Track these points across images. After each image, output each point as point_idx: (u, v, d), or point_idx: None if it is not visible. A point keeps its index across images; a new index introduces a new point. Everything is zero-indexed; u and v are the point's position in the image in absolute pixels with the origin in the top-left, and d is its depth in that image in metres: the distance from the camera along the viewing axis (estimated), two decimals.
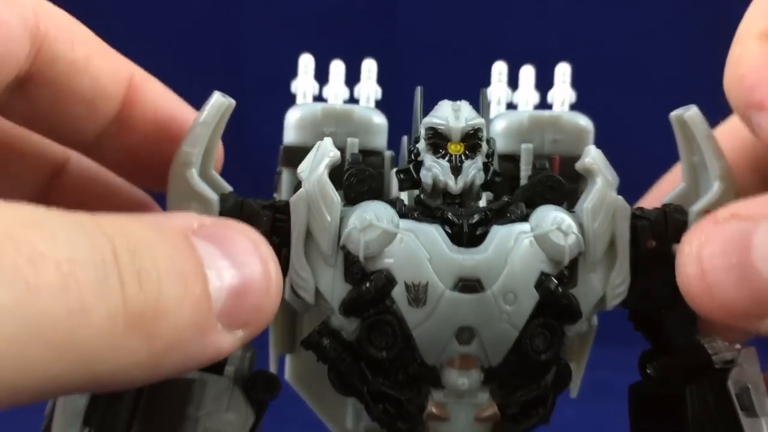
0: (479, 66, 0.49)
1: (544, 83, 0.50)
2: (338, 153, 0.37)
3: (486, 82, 0.49)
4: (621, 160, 0.40)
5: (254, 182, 0.47)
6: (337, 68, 0.51)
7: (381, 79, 0.49)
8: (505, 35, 0.96)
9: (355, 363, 0.37)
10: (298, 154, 0.46)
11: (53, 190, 0.46)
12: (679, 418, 0.39)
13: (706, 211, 0.39)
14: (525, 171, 0.45)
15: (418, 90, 0.41)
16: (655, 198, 0.49)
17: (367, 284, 0.35)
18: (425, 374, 0.36)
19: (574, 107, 0.50)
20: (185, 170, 0.38)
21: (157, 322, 0.29)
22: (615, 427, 0.49)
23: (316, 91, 0.50)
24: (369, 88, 0.50)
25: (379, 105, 0.49)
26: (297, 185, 0.39)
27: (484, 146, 0.38)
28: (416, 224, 0.36)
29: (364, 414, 0.43)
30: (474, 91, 0.46)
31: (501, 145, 0.46)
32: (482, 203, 0.41)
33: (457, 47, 0.99)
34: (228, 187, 0.41)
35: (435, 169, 0.37)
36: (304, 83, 0.50)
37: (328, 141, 0.38)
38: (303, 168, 0.38)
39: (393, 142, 0.46)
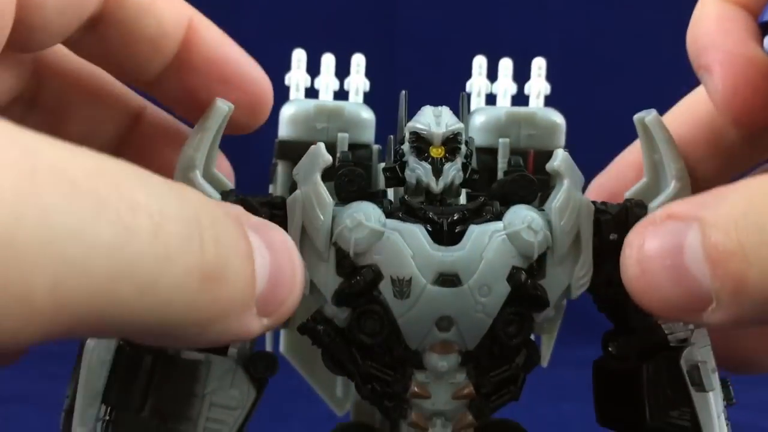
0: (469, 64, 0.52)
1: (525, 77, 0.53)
2: (329, 158, 0.41)
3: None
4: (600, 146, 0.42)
5: (256, 174, 0.51)
6: (328, 61, 0.54)
7: (378, 74, 0.52)
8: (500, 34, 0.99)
9: (346, 347, 0.41)
10: (292, 147, 0.49)
11: (130, 137, 0.49)
12: (637, 393, 0.44)
13: None
14: (502, 164, 0.49)
15: (403, 94, 0.44)
16: (615, 173, 0.52)
17: (358, 278, 0.39)
18: (409, 357, 0.40)
19: (548, 99, 0.54)
20: (189, 173, 0.41)
21: (220, 288, 0.31)
22: None
23: (308, 83, 0.53)
24: (358, 81, 0.54)
25: (372, 97, 0.52)
26: (292, 184, 0.42)
27: (463, 148, 0.42)
28: (401, 224, 0.40)
29: (352, 384, 0.47)
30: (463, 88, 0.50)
31: (480, 139, 0.49)
32: (462, 198, 0.45)
33: (453, 46, 1.01)
34: (229, 184, 0.45)
35: (418, 170, 0.41)
36: (296, 76, 0.53)
37: (321, 146, 0.41)
38: (298, 170, 0.42)
39: (388, 130, 0.49)
